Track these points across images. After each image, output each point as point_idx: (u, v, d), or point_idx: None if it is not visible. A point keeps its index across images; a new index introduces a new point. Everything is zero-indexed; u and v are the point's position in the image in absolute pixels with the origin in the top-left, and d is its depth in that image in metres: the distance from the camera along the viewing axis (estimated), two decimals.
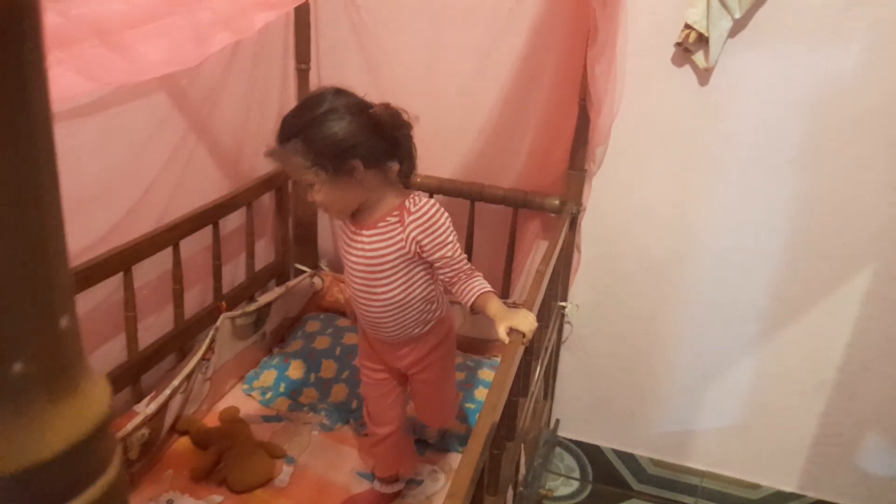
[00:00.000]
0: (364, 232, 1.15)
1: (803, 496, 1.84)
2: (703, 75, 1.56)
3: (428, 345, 1.26)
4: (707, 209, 1.69)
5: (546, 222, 1.79)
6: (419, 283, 1.18)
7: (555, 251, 1.44)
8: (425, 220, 1.12)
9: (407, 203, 1.13)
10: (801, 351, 1.74)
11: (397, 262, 1.14)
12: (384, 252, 1.14)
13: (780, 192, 1.62)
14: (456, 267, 1.15)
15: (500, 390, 0.97)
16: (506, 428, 1.12)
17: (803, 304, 1.70)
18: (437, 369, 1.29)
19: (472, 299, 1.13)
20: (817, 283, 1.67)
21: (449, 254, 1.13)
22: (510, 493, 1.28)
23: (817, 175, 1.58)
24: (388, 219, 1.13)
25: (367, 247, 1.15)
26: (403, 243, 1.13)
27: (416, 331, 1.22)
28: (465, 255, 1.17)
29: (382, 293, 1.17)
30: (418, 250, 1.13)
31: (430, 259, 1.14)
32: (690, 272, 1.75)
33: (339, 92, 1.09)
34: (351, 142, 1.06)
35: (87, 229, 1.27)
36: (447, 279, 1.17)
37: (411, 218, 1.12)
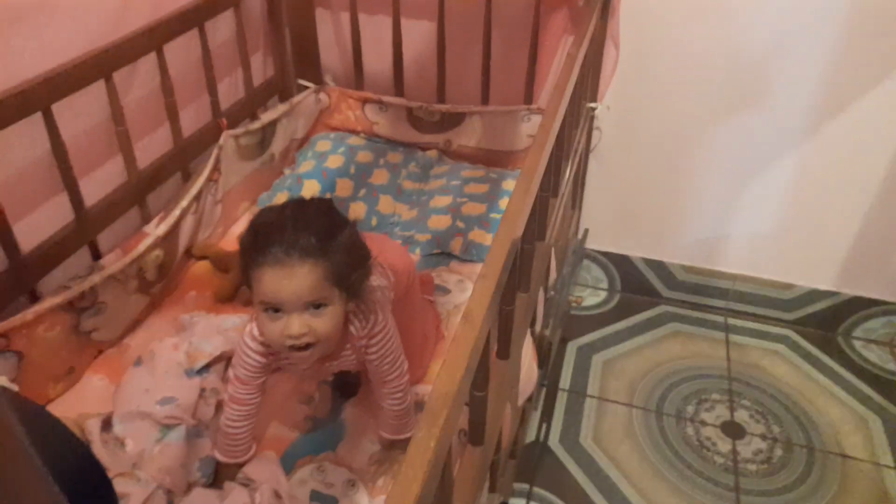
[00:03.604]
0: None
1: (838, 293, 1.80)
2: None
3: None
4: None
5: (574, 13, 1.59)
6: None
7: (583, 41, 1.26)
8: (373, 341, 0.96)
9: (351, 329, 0.94)
10: (847, 146, 1.59)
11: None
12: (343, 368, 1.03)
13: None
14: (392, 390, 0.99)
15: (530, 179, 0.87)
16: (537, 224, 1.04)
17: (856, 92, 1.53)
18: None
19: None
20: (873, 67, 1.49)
21: (387, 368, 0.98)
22: (541, 295, 1.23)
23: None
24: (343, 353, 0.97)
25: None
26: (354, 358, 0.99)
27: None
28: (405, 385, 1.00)
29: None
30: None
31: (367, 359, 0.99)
32: (735, 66, 1.57)
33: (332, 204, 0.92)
34: (367, 259, 0.91)
35: (58, 41, 1.12)
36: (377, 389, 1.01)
37: (362, 343, 0.96)
